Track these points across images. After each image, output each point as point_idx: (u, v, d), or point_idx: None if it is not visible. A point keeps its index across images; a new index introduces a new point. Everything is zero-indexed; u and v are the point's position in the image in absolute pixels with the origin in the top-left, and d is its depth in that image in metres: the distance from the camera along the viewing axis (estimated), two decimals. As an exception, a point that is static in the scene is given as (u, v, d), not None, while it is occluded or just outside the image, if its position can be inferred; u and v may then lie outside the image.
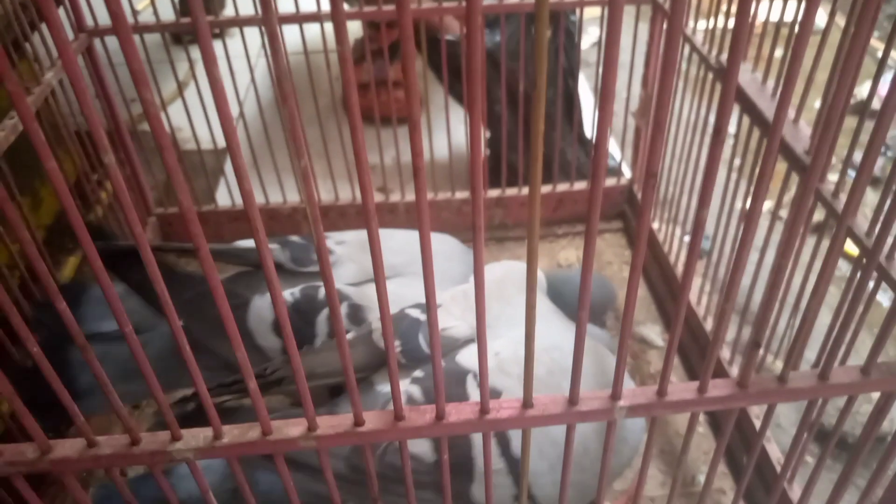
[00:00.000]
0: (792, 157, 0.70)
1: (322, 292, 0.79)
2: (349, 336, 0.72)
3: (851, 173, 0.57)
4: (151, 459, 0.45)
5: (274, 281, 0.36)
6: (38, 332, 0.79)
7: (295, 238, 0.86)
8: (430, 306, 0.40)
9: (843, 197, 0.65)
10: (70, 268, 1.04)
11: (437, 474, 0.64)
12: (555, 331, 0.71)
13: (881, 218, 0.47)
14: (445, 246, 0.90)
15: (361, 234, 0.89)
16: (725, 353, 0.93)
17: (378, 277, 0.39)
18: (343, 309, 0.78)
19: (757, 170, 0.79)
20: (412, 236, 0.89)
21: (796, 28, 0.75)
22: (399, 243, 0.85)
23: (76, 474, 0.47)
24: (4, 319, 0.41)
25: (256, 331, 0.78)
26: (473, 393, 0.65)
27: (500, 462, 0.64)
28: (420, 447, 0.63)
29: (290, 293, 0.79)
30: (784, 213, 1.17)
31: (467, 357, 0.68)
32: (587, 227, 0.36)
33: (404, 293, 0.76)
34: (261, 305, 0.79)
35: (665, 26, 1.03)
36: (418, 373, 0.67)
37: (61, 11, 0.96)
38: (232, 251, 0.84)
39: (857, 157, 0.59)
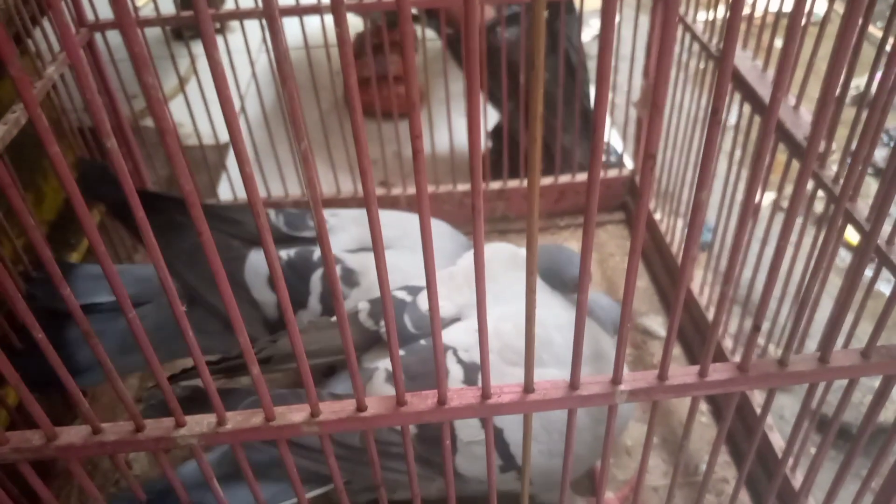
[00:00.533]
0: (793, 144, 0.70)
1: (317, 254, 0.81)
2: (333, 319, 0.74)
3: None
4: (156, 445, 0.45)
5: (269, 241, 0.37)
6: (31, 307, 0.79)
7: (288, 208, 0.88)
8: (431, 295, 0.40)
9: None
10: (76, 256, 1.05)
11: (422, 447, 0.66)
12: (540, 308, 0.73)
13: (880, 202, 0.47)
14: (436, 227, 0.92)
15: (354, 212, 0.92)
16: (728, 343, 0.93)
17: (380, 267, 0.39)
18: (317, 274, 0.80)
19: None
20: (404, 214, 0.93)
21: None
22: (390, 219, 0.88)
23: (81, 461, 0.47)
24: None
25: (252, 284, 0.80)
26: (452, 368, 0.68)
27: (482, 433, 0.66)
28: None
29: (285, 252, 0.82)
30: (786, 204, 1.17)
31: (449, 335, 0.71)
32: (587, 204, 0.36)
33: (400, 264, 0.78)
34: (257, 259, 0.80)
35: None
36: (399, 351, 0.70)
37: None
38: (231, 217, 0.85)
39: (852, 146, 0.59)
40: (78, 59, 0.30)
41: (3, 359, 0.40)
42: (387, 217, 0.89)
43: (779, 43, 0.82)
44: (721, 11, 0.88)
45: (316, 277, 0.80)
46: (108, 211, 0.79)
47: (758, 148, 0.36)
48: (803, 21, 0.72)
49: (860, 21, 0.60)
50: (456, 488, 0.63)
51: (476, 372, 0.68)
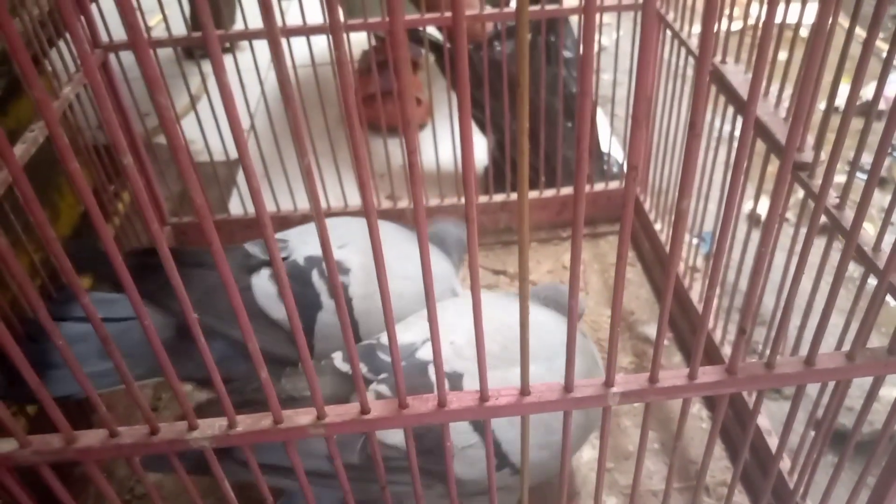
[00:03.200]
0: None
1: (301, 259, 0.84)
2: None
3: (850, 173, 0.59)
4: (170, 448, 0.48)
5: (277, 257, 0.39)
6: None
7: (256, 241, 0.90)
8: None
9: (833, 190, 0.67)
10: (86, 282, 1.08)
11: (420, 458, 0.67)
12: (500, 311, 0.76)
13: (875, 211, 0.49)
14: (395, 231, 0.95)
15: (300, 227, 0.95)
16: (727, 351, 0.94)
17: (382, 288, 0.41)
18: (315, 275, 0.82)
19: (758, 175, 0.81)
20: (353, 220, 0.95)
21: (795, 30, 0.77)
22: (340, 223, 0.92)
23: (99, 465, 0.49)
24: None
25: (267, 306, 0.81)
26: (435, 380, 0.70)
27: (473, 437, 0.68)
28: (395, 437, 0.67)
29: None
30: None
31: (426, 353, 0.73)
32: (574, 213, 0.38)
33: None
34: (262, 283, 0.82)
35: (667, 32, 1.05)
36: (383, 375, 0.72)
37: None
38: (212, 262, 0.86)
39: (851, 156, 0.61)
40: (97, 83, 0.33)
41: (28, 369, 0.43)
42: (342, 226, 0.91)
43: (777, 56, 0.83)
44: (716, 26, 0.90)
45: (316, 276, 0.82)
46: (109, 282, 0.79)
47: (739, 150, 0.38)
48: (792, 33, 0.74)
49: (848, 29, 0.63)
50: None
51: (459, 378, 0.70)
